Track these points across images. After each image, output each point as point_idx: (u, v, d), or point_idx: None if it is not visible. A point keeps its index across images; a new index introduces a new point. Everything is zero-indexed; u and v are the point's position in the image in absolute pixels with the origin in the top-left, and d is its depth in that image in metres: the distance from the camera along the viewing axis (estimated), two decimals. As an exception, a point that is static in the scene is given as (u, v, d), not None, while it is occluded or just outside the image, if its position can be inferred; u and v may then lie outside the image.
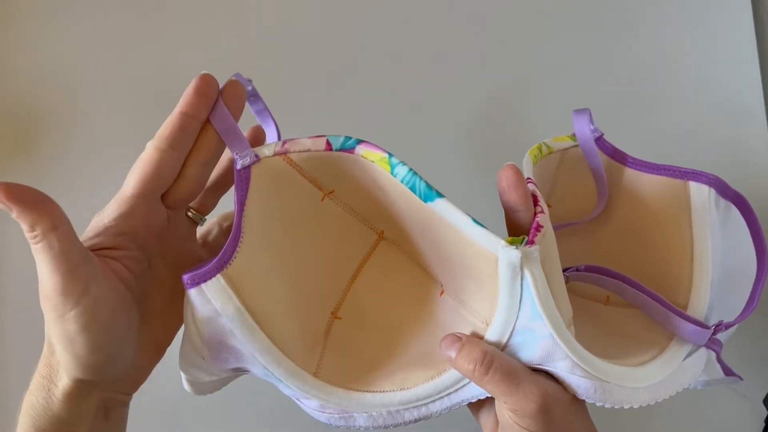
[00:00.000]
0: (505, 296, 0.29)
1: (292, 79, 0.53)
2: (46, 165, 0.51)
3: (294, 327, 0.33)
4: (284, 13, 0.54)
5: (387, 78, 0.53)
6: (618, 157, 0.37)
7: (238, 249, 0.30)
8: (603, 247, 0.38)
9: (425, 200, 0.30)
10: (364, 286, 0.37)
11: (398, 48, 0.54)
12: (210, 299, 0.30)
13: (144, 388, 0.49)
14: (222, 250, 0.30)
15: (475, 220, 0.29)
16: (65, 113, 0.52)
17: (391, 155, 0.30)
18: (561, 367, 0.30)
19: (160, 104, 0.54)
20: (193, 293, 0.30)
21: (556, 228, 0.37)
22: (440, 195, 0.30)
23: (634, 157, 0.36)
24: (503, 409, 0.30)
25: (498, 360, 0.30)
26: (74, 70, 0.53)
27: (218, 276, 0.30)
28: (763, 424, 0.50)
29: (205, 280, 0.30)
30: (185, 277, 0.30)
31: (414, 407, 0.32)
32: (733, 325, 0.32)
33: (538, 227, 0.28)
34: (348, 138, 0.31)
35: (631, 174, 0.36)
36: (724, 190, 0.33)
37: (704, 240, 0.32)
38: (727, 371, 0.37)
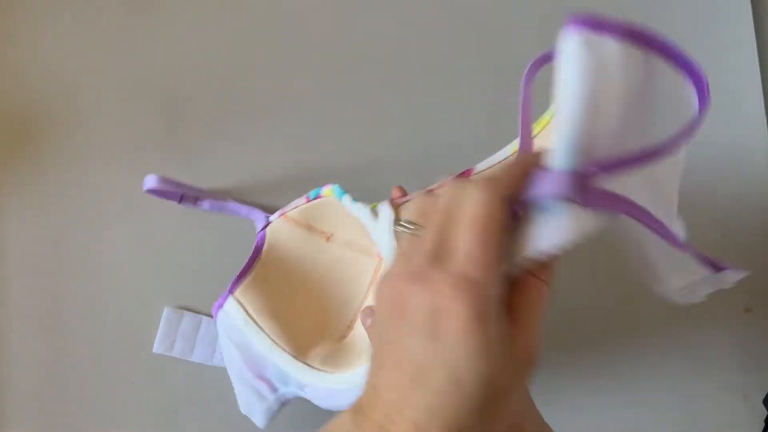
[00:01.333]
0: None
1: (292, 79, 0.53)
2: (46, 165, 0.51)
3: (298, 332, 0.43)
4: (284, 14, 0.54)
5: (388, 78, 0.53)
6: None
7: (244, 280, 0.43)
8: None
9: (338, 198, 0.41)
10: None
11: (400, 48, 0.54)
12: (228, 313, 0.42)
13: (143, 387, 0.49)
14: (233, 279, 0.43)
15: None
16: (65, 113, 0.52)
17: (335, 185, 0.41)
18: None
19: (160, 104, 0.55)
20: (221, 313, 0.43)
21: None
22: (344, 192, 0.41)
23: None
24: None
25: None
26: (74, 70, 0.53)
27: (230, 296, 0.43)
28: (763, 424, 0.50)
29: (224, 301, 0.43)
30: (215, 305, 0.43)
31: None
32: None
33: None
34: (317, 188, 0.43)
35: None
36: (595, 26, 0.25)
37: (570, 87, 0.25)
38: (709, 261, 0.30)
